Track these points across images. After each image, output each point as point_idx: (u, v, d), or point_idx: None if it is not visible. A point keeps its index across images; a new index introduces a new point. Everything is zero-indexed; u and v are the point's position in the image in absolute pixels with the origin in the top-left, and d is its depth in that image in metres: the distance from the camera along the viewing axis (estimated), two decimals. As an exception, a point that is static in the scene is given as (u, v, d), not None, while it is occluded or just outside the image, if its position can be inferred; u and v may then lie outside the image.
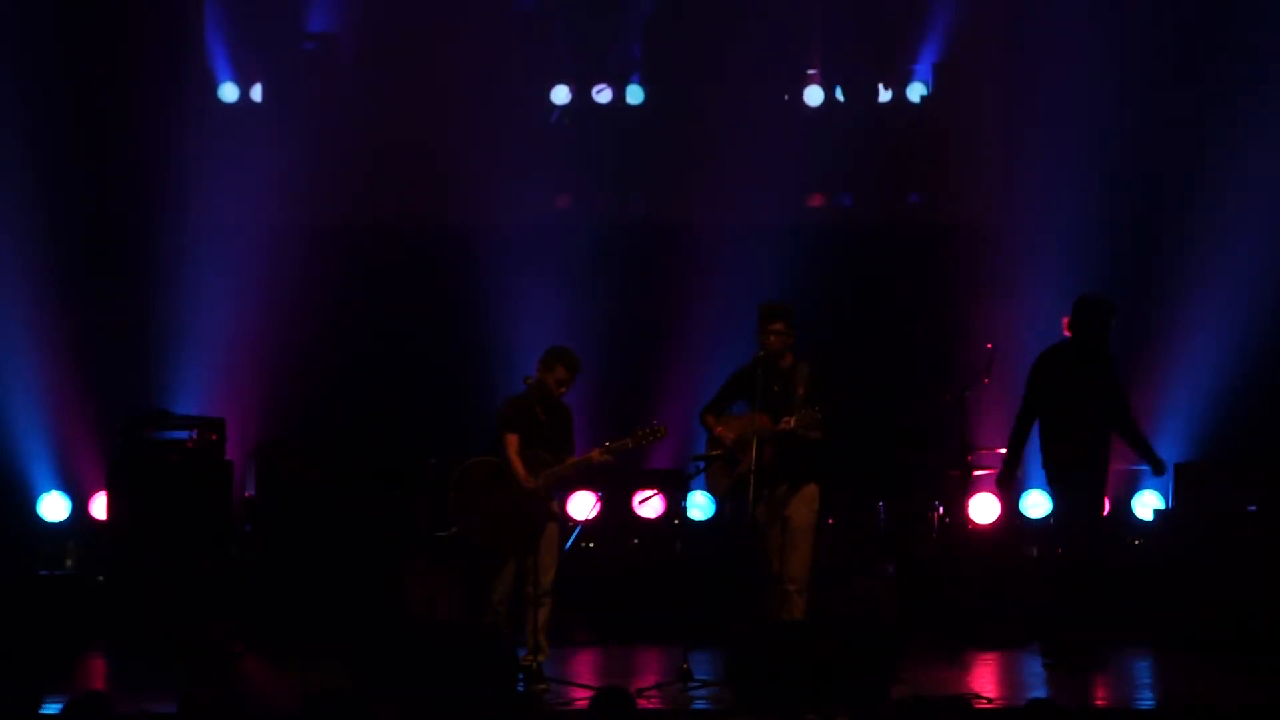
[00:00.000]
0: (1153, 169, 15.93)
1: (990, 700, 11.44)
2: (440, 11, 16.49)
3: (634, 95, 16.72)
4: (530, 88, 16.69)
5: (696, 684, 11.82)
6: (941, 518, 14.96)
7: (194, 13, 16.51)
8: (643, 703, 11.15)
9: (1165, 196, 15.95)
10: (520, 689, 11.46)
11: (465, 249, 16.15)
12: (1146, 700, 11.79)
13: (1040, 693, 11.83)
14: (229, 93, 16.62)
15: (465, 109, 16.34)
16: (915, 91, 16.67)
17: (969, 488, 15.01)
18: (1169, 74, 15.92)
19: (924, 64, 16.66)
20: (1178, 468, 14.98)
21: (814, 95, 16.68)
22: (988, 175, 16.38)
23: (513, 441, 12.28)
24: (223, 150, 16.25)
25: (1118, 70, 15.87)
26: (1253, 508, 14.43)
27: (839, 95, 16.63)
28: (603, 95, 16.69)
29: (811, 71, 16.74)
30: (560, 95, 16.71)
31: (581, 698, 11.39)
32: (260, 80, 16.67)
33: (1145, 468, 15.14)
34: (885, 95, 16.70)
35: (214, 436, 14.33)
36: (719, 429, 12.26)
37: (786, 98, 16.74)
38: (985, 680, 12.72)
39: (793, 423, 11.84)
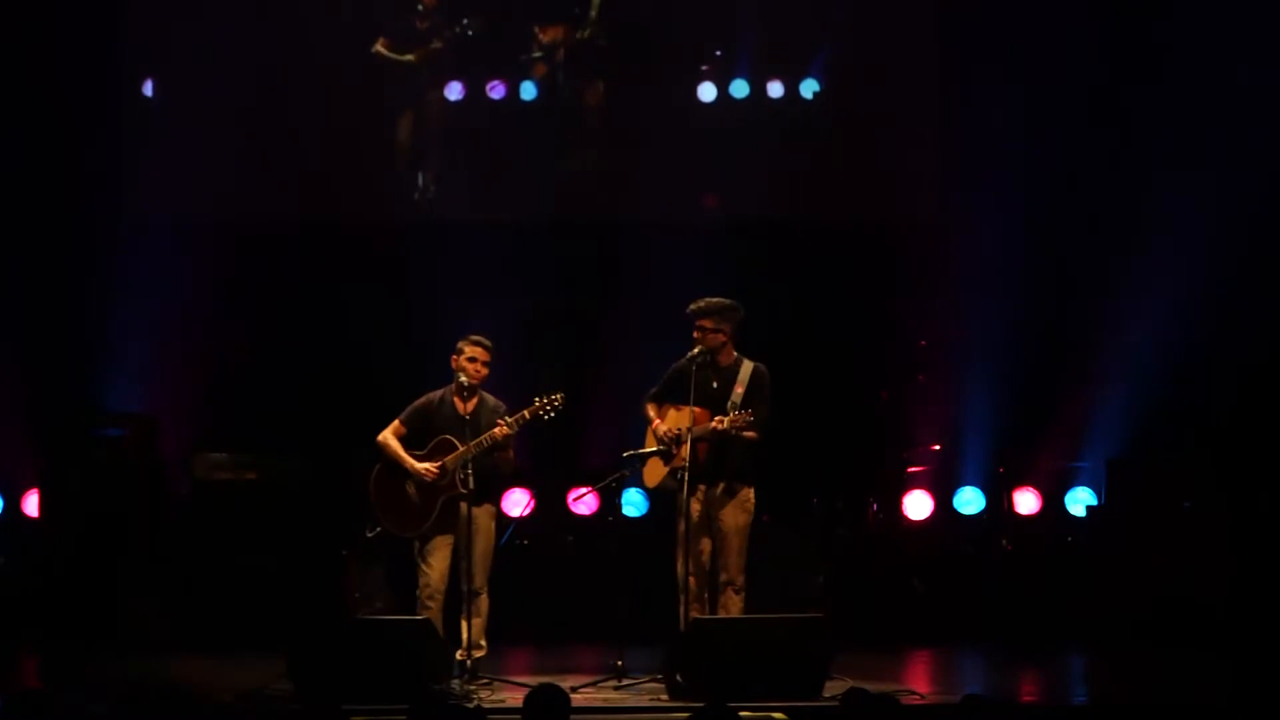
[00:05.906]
0: (1074, 166, 15.89)
1: (923, 696, 11.47)
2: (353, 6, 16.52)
3: (526, 91, 16.63)
4: (432, 84, 16.60)
5: (631, 681, 11.83)
6: (876, 514, 15.00)
7: (120, 6, 16.38)
8: (577, 699, 11.13)
9: (1086, 194, 15.94)
10: (454, 686, 11.46)
11: (395, 246, 16.16)
12: (1079, 696, 11.86)
13: (974, 688, 11.86)
14: (155, 87, 16.50)
15: (375, 106, 16.38)
16: (808, 88, 16.55)
17: (903, 484, 15.06)
18: (1086, 63, 15.84)
19: (817, 62, 16.56)
20: (1110, 464, 15.05)
21: (707, 92, 16.59)
22: (910, 173, 16.36)
23: (392, 425, 12.16)
24: (152, 146, 16.18)
25: (1036, 63, 15.83)
26: (1186, 504, 14.51)
27: (732, 92, 16.55)
28: (495, 92, 16.59)
29: (705, 68, 16.65)
30: (453, 92, 16.61)
31: (515, 695, 11.38)
32: (185, 75, 16.50)
33: (1079, 465, 15.24)
34: (778, 92, 16.58)
35: (147, 434, 14.27)
36: (655, 420, 12.20)
37: (683, 94, 16.63)
38: (918, 676, 12.77)
39: (725, 423, 11.79)
